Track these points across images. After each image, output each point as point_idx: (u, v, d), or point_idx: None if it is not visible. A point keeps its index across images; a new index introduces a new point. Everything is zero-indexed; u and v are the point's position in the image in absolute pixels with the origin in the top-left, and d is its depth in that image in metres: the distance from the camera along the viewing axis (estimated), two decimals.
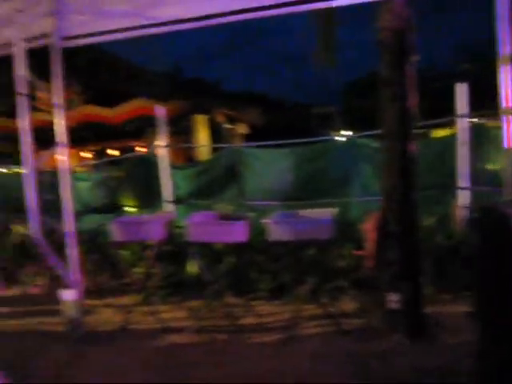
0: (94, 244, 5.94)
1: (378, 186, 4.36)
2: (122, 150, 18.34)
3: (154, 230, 4.10)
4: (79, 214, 4.51)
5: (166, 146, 6.28)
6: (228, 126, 18.00)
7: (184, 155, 12.39)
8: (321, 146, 6.03)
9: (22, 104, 3.73)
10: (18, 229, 6.53)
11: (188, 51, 45.89)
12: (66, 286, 4.34)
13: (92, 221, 6.61)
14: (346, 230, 4.58)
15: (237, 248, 4.27)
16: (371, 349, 3.49)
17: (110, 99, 14.16)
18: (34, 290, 5.99)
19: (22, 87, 3.76)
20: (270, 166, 5.83)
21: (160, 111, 6.25)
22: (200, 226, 3.95)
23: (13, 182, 7.77)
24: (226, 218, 4.20)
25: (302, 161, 5.78)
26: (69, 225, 4.26)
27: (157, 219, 4.29)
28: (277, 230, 3.81)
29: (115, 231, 4.21)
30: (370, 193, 5.22)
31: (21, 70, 3.80)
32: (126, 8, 3.97)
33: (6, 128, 17.32)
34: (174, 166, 6.33)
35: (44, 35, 4.21)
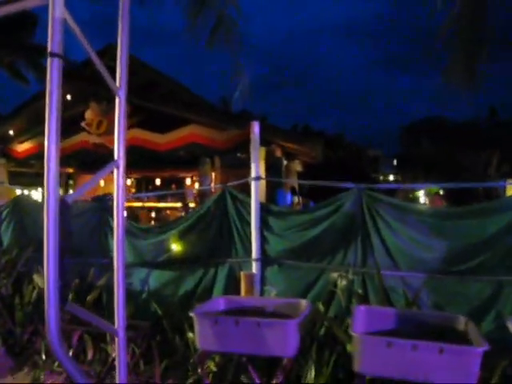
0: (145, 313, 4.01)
1: None
2: (167, 181, 16.62)
3: (281, 341, 2.06)
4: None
5: (257, 179, 4.34)
6: (285, 161, 16.16)
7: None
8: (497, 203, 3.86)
9: (55, 68, 1.84)
10: (38, 280, 4.66)
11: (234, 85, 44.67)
12: None
13: (141, 277, 4.70)
14: None
15: None
16: None
17: (159, 124, 12.59)
18: (49, 379, 4.00)
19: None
20: (421, 225, 3.78)
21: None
22: (379, 349, 1.90)
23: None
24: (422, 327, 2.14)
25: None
26: (120, 310, 2.25)
27: (287, 319, 2.22)
28: None
29: (200, 334, 2.19)
30: None
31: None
32: None
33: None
34: (265, 209, 4.37)
35: None
